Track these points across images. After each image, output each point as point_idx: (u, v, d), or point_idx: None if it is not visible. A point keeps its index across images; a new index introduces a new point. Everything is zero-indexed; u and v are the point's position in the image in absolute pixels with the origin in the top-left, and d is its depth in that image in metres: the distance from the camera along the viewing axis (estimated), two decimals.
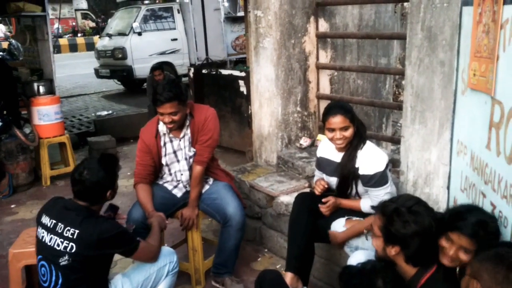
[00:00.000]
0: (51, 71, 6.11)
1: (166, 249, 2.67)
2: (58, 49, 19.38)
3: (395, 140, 3.74)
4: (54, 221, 2.27)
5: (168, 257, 2.60)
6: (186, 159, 3.10)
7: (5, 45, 13.47)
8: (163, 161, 3.09)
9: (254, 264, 3.51)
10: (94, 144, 6.29)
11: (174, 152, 3.09)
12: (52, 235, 2.25)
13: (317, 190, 2.81)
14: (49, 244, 2.25)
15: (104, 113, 8.66)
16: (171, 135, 3.05)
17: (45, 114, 5.38)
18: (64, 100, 8.87)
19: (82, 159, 2.65)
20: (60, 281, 2.23)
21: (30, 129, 5.48)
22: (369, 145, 2.66)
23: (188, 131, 3.06)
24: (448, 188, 2.51)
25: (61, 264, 2.22)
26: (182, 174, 3.14)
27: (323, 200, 2.74)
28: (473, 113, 2.07)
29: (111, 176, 2.41)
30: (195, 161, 3.06)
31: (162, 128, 3.03)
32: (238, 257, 3.23)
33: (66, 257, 2.21)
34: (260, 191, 3.66)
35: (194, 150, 3.07)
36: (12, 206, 4.81)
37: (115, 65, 11.12)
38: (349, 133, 2.63)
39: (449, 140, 2.47)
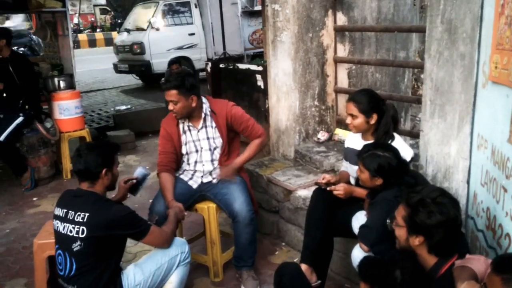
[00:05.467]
0: (71, 66, 6.20)
1: (178, 240, 2.70)
2: (77, 44, 19.59)
3: (414, 134, 3.70)
4: (65, 210, 2.35)
5: (180, 247, 2.63)
6: (210, 149, 3.17)
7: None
8: (183, 150, 3.17)
9: (272, 257, 3.53)
10: (113, 139, 6.37)
11: (193, 141, 3.15)
12: (64, 223, 2.32)
13: (321, 180, 2.85)
14: (62, 232, 2.32)
15: (123, 107, 8.75)
16: (189, 124, 3.14)
17: (66, 109, 5.46)
18: (83, 95, 8.96)
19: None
20: (74, 267, 2.29)
21: (51, 124, 5.57)
22: (396, 141, 2.66)
23: (213, 124, 3.14)
24: (468, 182, 2.49)
25: (74, 250, 2.27)
26: (203, 165, 3.20)
27: (328, 189, 2.75)
28: (494, 106, 2.04)
29: (107, 154, 2.47)
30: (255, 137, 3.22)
31: None
32: (257, 251, 3.24)
33: (78, 242, 2.27)
34: (277, 185, 3.66)
35: (221, 141, 3.16)
36: (34, 199, 4.90)
37: (133, 60, 11.21)
38: (356, 122, 2.72)
39: (469, 134, 2.45)
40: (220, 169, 3.17)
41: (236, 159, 3.24)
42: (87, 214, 2.28)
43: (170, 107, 3.01)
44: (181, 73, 3.10)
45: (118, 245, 2.42)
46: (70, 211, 2.33)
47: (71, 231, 2.29)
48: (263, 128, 3.19)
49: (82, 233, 2.26)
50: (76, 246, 2.27)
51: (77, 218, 2.29)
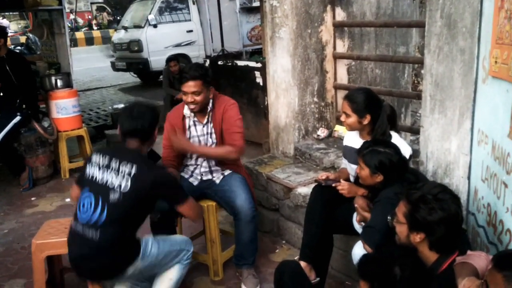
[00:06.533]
0: (68, 65, 6.17)
1: (185, 238, 2.74)
2: (74, 42, 19.51)
3: (414, 130, 3.69)
4: (108, 157, 2.36)
5: (187, 245, 2.67)
6: (206, 145, 3.14)
7: (23, 39, 13.63)
8: None
9: (272, 255, 3.52)
10: (111, 137, 6.35)
11: (198, 136, 3.14)
12: (106, 170, 2.33)
13: (321, 177, 2.87)
14: (101, 179, 2.33)
15: (121, 106, 8.68)
16: (195, 119, 3.12)
17: (63, 108, 5.44)
18: (81, 93, 8.94)
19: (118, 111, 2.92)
20: (105, 214, 2.28)
21: (48, 123, 5.54)
22: (393, 139, 2.65)
23: (211, 119, 3.11)
24: (468, 178, 2.48)
25: (110, 200, 2.28)
26: (204, 159, 3.19)
27: (333, 185, 2.74)
28: (495, 101, 2.03)
29: (157, 114, 2.57)
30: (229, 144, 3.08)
31: (187, 111, 3.11)
32: (258, 249, 3.23)
33: (117, 196, 2.28)
34: (277, 182, 3.65)
35: (215, 140, 3.12)
36: (33, 198, 4.88)
37: (131, 58, 11.18)
38: (349, 121, 2.72)
39: (470, 130, 2.43)
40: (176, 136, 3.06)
41: (204, 147, 3.11)
42: (135, 165, 2.30)
43: (189, 99, 2.94)
44: (201, 64, 3.15)
45: (151, 207, 2.46)
46: (114, 159, 2.34)
47: (112, 181, 2.29)
48: (243, 145, 3.05)
49: (126, 186, 2.28)
50: (114, 197, 2.28)
51: (122, 168, 2.30)
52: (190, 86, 2.92)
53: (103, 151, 2.43)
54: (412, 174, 2.53)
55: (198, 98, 2.95)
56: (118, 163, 2.31)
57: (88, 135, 5.67)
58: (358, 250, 2.43)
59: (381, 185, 2.40)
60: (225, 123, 3.08)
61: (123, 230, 2.33)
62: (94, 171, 2.37)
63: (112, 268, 2.37)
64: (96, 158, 2.40)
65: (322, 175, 2.85)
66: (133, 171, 2.29)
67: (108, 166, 2.33)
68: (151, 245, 2.47)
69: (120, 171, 2.30)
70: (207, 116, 3.11)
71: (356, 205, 2.54)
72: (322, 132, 4.07)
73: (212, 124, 3.12)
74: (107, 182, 2.31)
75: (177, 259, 2.60)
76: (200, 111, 3.07)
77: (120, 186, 2.28)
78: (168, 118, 3.19)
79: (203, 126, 3.12)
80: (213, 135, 3.13)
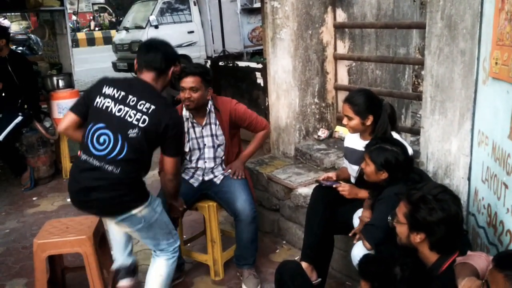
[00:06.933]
0: (70, 65, 6.18)
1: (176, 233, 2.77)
2: (76, 43, 19.54)
3: (415, 131, 3.70)
4: (123, 93, 2.36)
5: (175, 235, 2.66)
6: (213, 147, 3.16)
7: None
8: (186, 148, 3.15)
9: (273, 255, 3.52)
10: None
11: (197, 139, 3.14)
12: (122, 106, 2.33)
13: (322, 178, 2.91)
14: (118, 114, 2.32)
15: None
16: (194, 121, 3.12)
17: (65, 108, 5.42)
18: (82, 94, 8.95)
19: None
20: (125, 151, 2.29)
21: (50, 123, 5.55)
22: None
23: (216, 122, 3.13)
24: (468, 179, 2.49)
25: (129, 136, 2.29)
26: (205, 162, 3.20)
27: (334, 186, 2.76)
28: (495, 102, 2.03)
29: (174, 51, 2.63)
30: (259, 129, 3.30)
31: (185, 113, 3.11)
32: (258, 249, 3.24)
33: (136, 130, 2.29)
34: (278, 183, 3.65)
35: (224, 139, 3.15)
36: (34, 198, 4.90)
37: (132, 59, 11.11)
38: (352, 123, 2.72)
39: (470, 131, 2.44)
40: (228, 167, 3.19)
41: (242, 153, 3.28)
42: (153, 107, 2.31)
43: (186, 94, 2.95)
44: (202, 64, 3.19)
45: (154, 149, 2.46)
46: (131, 96, 2.34)
47: (131, 116, 2.31)
48: (266, 120, 3.24)
49: (143, 122, 2.29)
50: (132, 133, 2.29)
51: (140, 106, 2.31)
52: (189, 81, 2.94)
53: (116, 85, 2.40)
54: (417, 174, 2.53)
55: (195, 95, 2.95)
56: (136, 98, 2.32)
57: None
58: (357, 251, 2.43)
59: (385, 183, 2.41)
60: (244, 122, 3.19)
61: (139, 168, 2.36)
62: (108, 103, 2.35)
63: (123, 202, 2.34)
64: (109, 91, 2.37)
65: (324, 176, 2.86)
66: (152, 107, 2.31)
67: (124, 100, 2.33)
68: (157, 202, 2.51)
69: (138, 105, 2.31)
70: (206, 118, 3.11)
71: (364, 218, 2.55)
72: (322, 133, 4.07)
73: (217, 126, 3.13)
74: (125, 116, 2.31)
75: (166, 243, 2.58)
76: (197, 111, 3.07)
77: (138, 120, 2.30)
78: None
79: (202, 128, 3.13)
80: (219, 137, 3.15)
